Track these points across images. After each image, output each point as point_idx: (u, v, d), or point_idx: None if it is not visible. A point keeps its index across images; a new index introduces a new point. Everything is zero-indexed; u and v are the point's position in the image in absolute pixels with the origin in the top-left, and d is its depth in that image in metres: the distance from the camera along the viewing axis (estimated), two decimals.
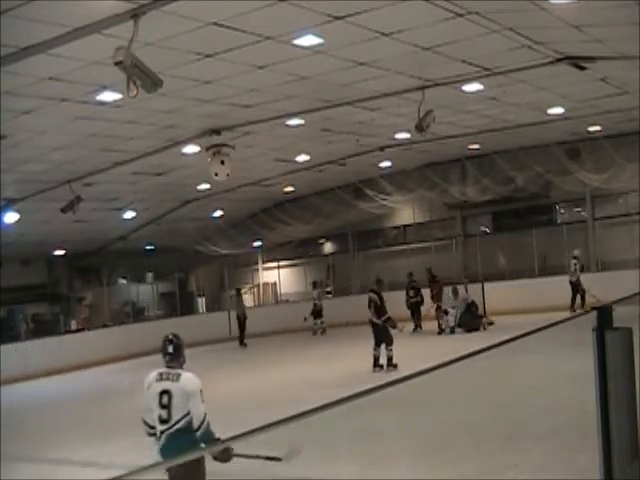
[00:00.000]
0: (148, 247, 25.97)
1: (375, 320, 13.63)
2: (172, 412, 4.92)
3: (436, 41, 10.12)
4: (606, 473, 3.04)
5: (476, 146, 19.90)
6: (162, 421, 4.95)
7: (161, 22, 8.03)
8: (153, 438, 5.11)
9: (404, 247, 24.59)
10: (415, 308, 19.21)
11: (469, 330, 17.67)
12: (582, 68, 11.83)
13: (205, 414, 4.93)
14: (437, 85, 12.42)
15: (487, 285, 19.56)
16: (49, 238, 21.52)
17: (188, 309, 26.47)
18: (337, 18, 8.76)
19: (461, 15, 8.98)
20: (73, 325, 24.26)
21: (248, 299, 29.11)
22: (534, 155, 19.71)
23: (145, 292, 26.91)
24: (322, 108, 13.52)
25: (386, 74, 11.59)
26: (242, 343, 20.41)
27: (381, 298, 13.78)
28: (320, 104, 13.28)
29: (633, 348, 3.18)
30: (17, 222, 17.11)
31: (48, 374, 16.89)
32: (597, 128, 17.93)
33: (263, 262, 28.92)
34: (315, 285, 22.29)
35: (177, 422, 4.92)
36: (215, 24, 8.48)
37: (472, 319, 18.08)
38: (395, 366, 13.13)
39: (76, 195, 16.03)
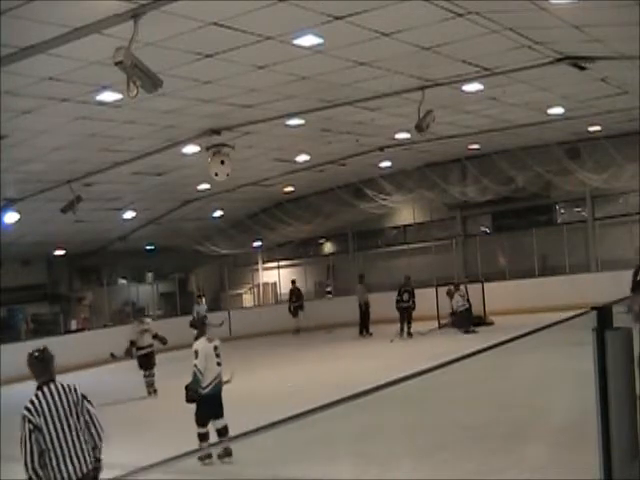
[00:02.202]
0: (148, 247, 25.97)
1: None
2: (220, 358, 8.30)
3: (436, 41, 10.12)
4: (606, 473, 3.04)
5: (476, 146, 19.90)
6: (219, 364, 8.28)
7: (161, 22, 8.02)
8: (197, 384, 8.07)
9: (404, 247, 24.60)
10: (406, 312, 18.61)
11: (460, 329, 17.84)
12: (582, 68, 11.82)
13: None
14: (437, 85, 12.41)
15: (487, 285, 19.56)
16: (49, 238, 21.52)
17: (188, 309, 26.45)
18: (337, 18, 8.76)
19: (461, 15, 8.98)
20: (73, 325, 24.25)
21: (248, 299, 29.16)
22: (534, 155, 19.70)
23: (145, 292, 26.89)
24: (322, 108, 13.51)
25: (386, 74, 11.59)
26: (367, 332, 19.85)
27: None
28: (320, 104, 13.27)
29: (633, 348, 3.18)
30: (17, 222, 17.10)
31: None
32: (597, 128, 17.92)
33: (263, 262, 28.92)
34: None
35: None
36: (215, 24, 8.47)
37: (464, 320, 18.18)
38: None
39: (76, 195, 16.03)
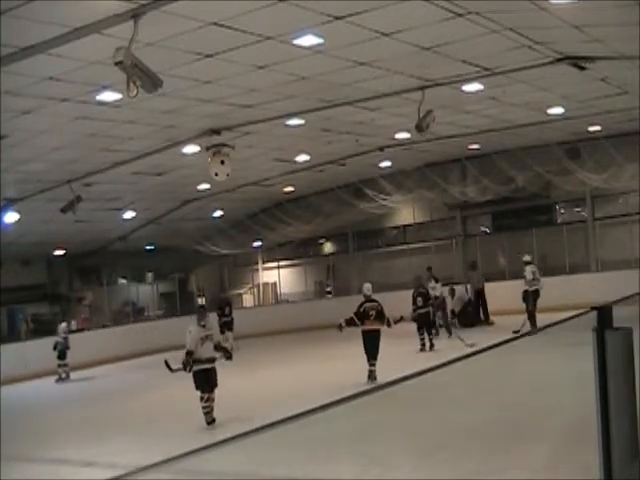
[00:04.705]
0: (148, 247, 25.98)
1: None
2: None
3: (436, 41, 10.12)
4: (606, 473, 3.04)
5: (476, 146, 19.90)
6: None
7: (161, 22, 8.03)
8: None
9: (404, 247, 24.61)
10: (424, 321, 15.46)
11: (465, 325, 18.00)
12: (582, 68, 11.83)
13: None
14: (437, 85, 12.41)
15: (487, 285, 19.56)
16: (49, 238, 21.52)
17: (188, 309, 26.46)
18: (337, 18, 8.77)
19: (461, 15, 8.98)
20: (73, 325, 24.25)
21: (248, 299, 29.15)
22: (534, 155, 19.71)
23: (145, 292, 26.90)
24: (322, 108, 13.51)
25: (386, 74, 11.59)
26: (488, 321, 18.59)
27: None
28: (320, 104, 13.27)
29: (633, 348, 3.18)
30: (17, 222, 17.11)
31: (48, 374, 16.90)
32: (597, 128, 17.92)
33: (263, 262, 28.92)
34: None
35: None
36: (215, 24, 8.48)
37: (468, 316, 18.33)
38: None
39: (76, 195, 16.03)
